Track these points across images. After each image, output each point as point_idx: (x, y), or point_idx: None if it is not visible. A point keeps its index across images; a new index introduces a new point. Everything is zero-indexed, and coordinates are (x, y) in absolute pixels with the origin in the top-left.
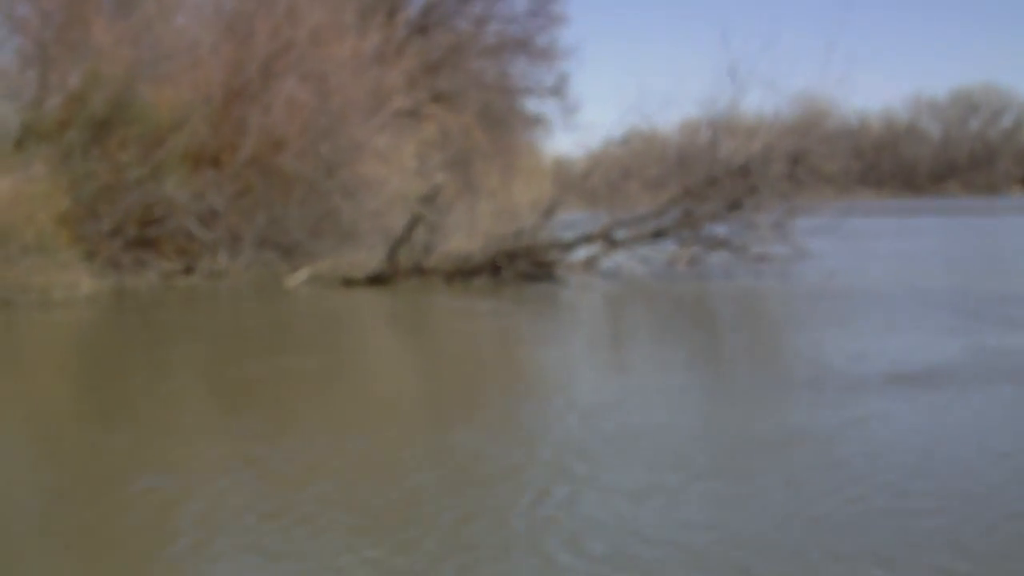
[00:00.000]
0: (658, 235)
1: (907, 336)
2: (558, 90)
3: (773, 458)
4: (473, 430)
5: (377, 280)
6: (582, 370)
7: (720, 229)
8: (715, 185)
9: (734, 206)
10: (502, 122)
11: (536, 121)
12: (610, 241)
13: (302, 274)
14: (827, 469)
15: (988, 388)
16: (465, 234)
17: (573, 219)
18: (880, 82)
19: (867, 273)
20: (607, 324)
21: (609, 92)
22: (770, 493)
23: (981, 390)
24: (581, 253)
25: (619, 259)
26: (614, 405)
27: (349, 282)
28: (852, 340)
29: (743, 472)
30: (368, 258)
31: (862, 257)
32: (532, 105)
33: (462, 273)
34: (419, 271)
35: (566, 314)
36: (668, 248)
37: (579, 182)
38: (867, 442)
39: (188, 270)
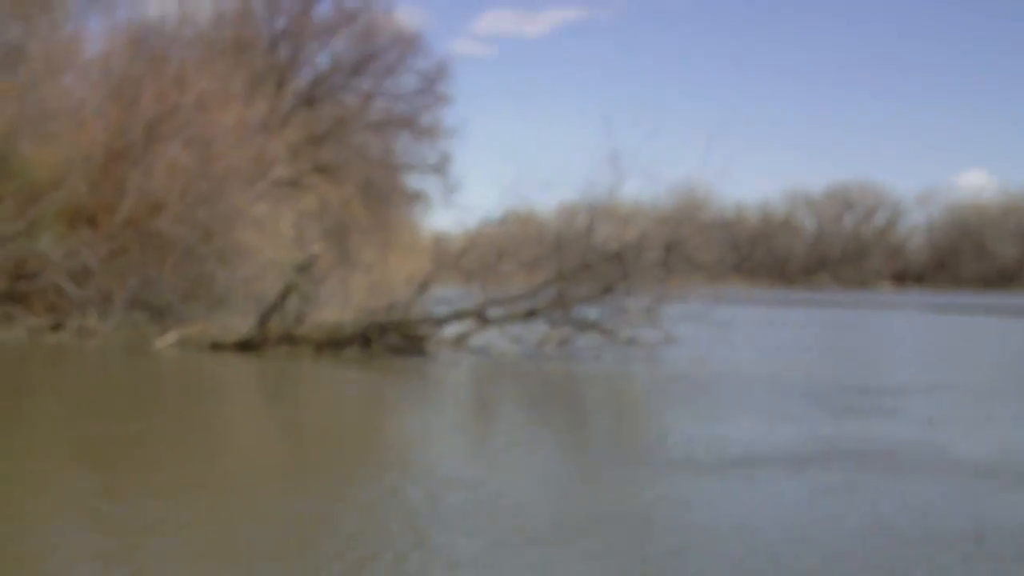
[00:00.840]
0: (530, 315)
1: (756, 422)
2: (440, 168)
3: (600, 531)
4: (318, 497)
5: (246, 346)
6: (439, 443)
7: (592, 312)
8: (589, 269)
9: (606, 290)
10: (383, 197)
11: (416, 197)
12: (482, 319)
13: (171, 336)
14: (640, 543)
15: (808, 472)
16: (338, 305)
17: (448, 295)
18: (758, 175)
19: (732, 361)
20: (471, 399)
21: (490, 172)
22: (587, 561)
23: (802, 474)
24: (453, 329)
25: (490, 337)
26: (464, 478)
27: (218, 347)
28: (704, 425)
29: (565, 542)
30: (239, 324)
31: (730, 345)
32: (413, 182)
33: (333, 343)
34: (289, 339)
35: (432, 388)
36: (539, 329)
37: (456, 259)
38: (683, 519)
39: (57, 327)
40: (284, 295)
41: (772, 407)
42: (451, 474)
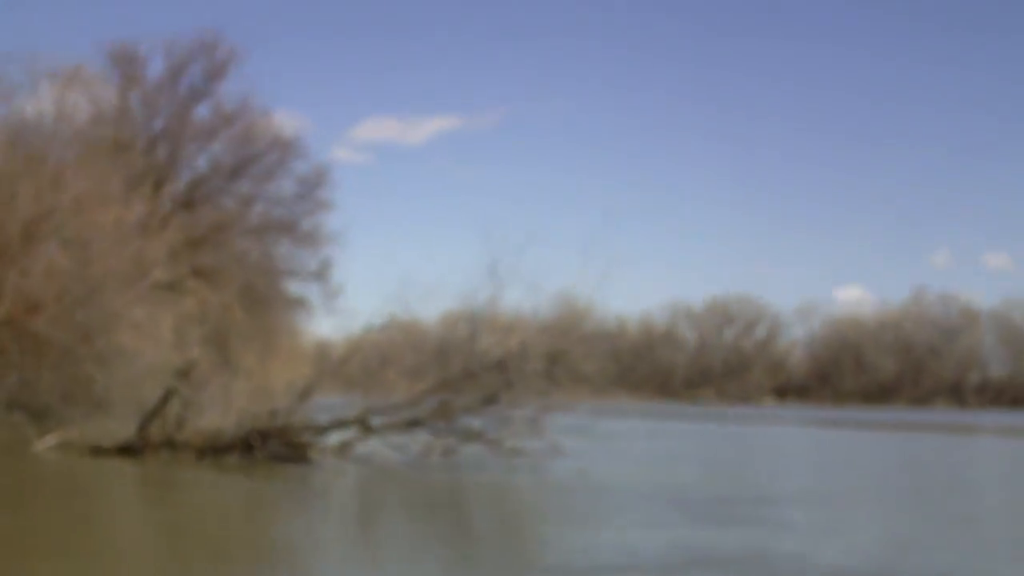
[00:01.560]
0: (413, 424)
1: (630, 531)
2: (321, 274)
3: None
4: None
5: (127, 451)
6: (319, 550)
7: (475, 422)
8: (472, 378)
9: (490, 400)
10: (263, 302)
11: (297, 303)
12: (365, 427)
13: (51, 439)
14: None
15: None
16: (219, 411)
17: (331, 403)
18: (639, 287)
19: (613, 471)
20: (354, 507)
21: (372, 279)
22: None
23: None
24: (336, 437)
25: (373, 445)
26: None
27: (98, 451)
28: (581, 534)
29: None
30: (120, 428)
31: (612, 457)
32: (294, 287)
33: (214, 449)
34: (170, 444)
35: (314, 496)
36: (423, 437)
37: (338, 366)
38: None
39: None
40: (164, 400)
41: (646, 517)
42: None
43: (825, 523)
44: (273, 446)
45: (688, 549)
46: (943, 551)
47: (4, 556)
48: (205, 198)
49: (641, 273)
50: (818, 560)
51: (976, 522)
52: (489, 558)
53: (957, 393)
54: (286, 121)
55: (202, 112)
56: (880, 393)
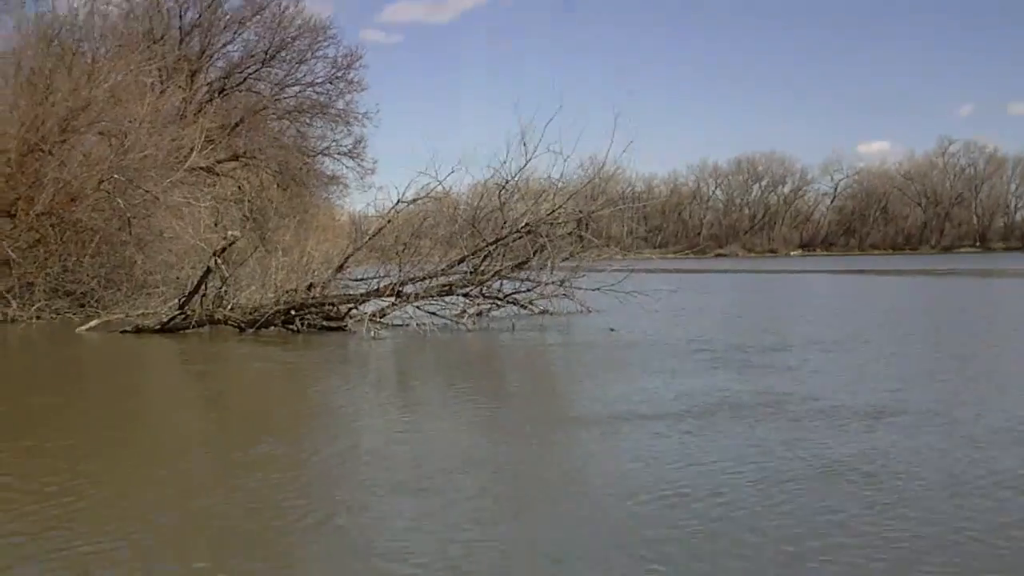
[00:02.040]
0: (446, 290)
1: (651, 381)
2: (355, 152)
3: (478, 476)
4: (237, 455)
5: (169, 329)
6: (345, 414)
7: (507, 286)
8: (503, 244)
9: (520, 264)
10: (299, 181)
11: (332, 181)
12: (400, 295)
13: (94, 321)
14: (513, 486)
15: (684, 422)
16: (258, 286)
17: (367, 275)
18: (666, 150)
19: (640, 327)
20: (386, 372)
21: (404, 155)
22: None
23: (678, 423)
24: (371, 307)
25: (409, 312)
26: (382, 440)
27: (141, 330)
28: (604, 386)
29: (438, 489)
30: (161, 308)
31: (640, 313)
32: (329, 166)
33: (254, 323)
34: (211, 321)
35: (349, 362)
36: (457, 303)
37: (372, 239)
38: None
39: None
40: (204, 278)
41: (669, 367)
42: (374, 436)
43: (838, 365)
44: (311, 317)
45: (706, 395)
46: (946, 385)
47: (47, 430)
48: (239, 85)
49: (668, 136)
50: (827, 400)
51: (984, 358)
52: (521, 412)
53: (982, 239)
54: (315, 6)
55: (233, 2)
56: (906, 243)
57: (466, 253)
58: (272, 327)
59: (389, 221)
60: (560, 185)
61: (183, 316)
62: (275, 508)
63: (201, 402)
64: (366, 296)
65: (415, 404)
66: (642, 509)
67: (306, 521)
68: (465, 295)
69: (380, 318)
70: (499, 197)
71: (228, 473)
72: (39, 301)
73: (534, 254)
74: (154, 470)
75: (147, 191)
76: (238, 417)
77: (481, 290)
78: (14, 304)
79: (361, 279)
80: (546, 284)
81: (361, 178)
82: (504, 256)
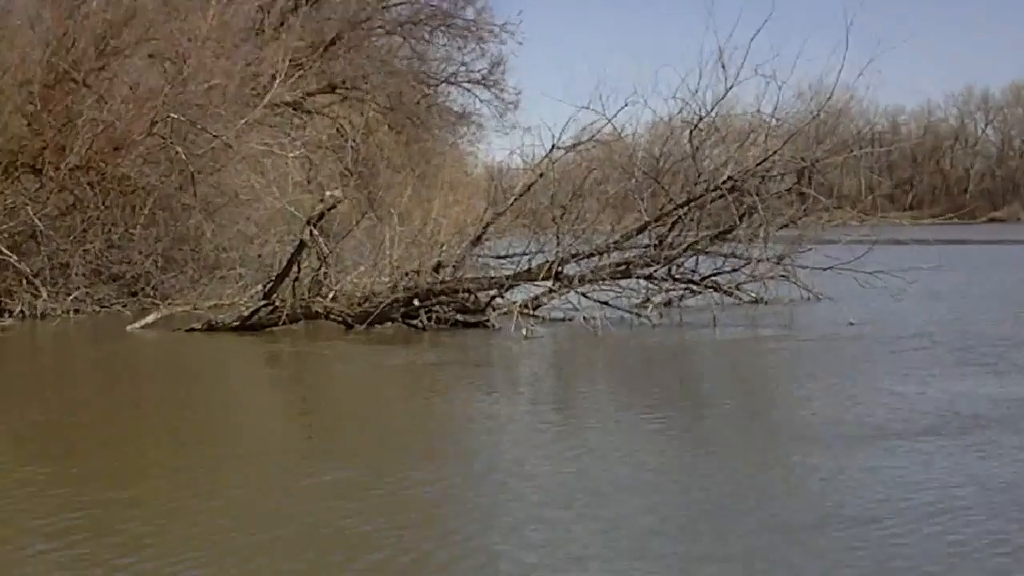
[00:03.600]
0: (621, 271)
1: (896, 388)
2: (491, 80)
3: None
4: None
5: (250, 326)
6: (487, 439)
7: (704, 264)
8: (697, 206)
9: (722, 234)
10: (418, 120)
11: (462, 119)
12: (558, 278)
13: (150, 316)
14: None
15: (952, 439)
16: (369, 267)
17: (512, 249)
18: (915, 75)
19: (885, 318)
20: (542, 382)
21: (558, 83)
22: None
23: (943, 441)
24: (521, 294)
25: (572, 302)
26: (536, 478)
27: (213, 328)
28: (835, 397)
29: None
30: (239, 297)
31: (884, 299)
32: (457, 98)
33: (364, 317)
34: (307, 314)
35: (492, 369)
36: (636, 289)
37: (518, 200)
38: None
39: None
40: (295, 257)
41: (931, 369)
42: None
43: None
44: (440, 309)
45: (973, 405)
46: None
47: (97, 451)
48: None
49: (918, 54)
50: None
51: None
52: (732, 431)
53: None
54: None
55: None
56: None
57: (647, 219)
58: (388, 322)
59: (541, 175)
60: (774, 123)
61: (270, 308)
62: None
63: (293, 424)
64: (514, 280)
65: (586, 424)
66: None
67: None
68: (648, 278)
69: (533, 310)
70: (690, 140)
71: (357, 513)
72: (77, 289)
73: (740, 219)
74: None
75: (215, 135)
76: (344, 446)
77: (669, 270)
78: (44, 293)
79: (505, 256)
80: (758, 261)
81: (501, 115)
82: (700, 223)
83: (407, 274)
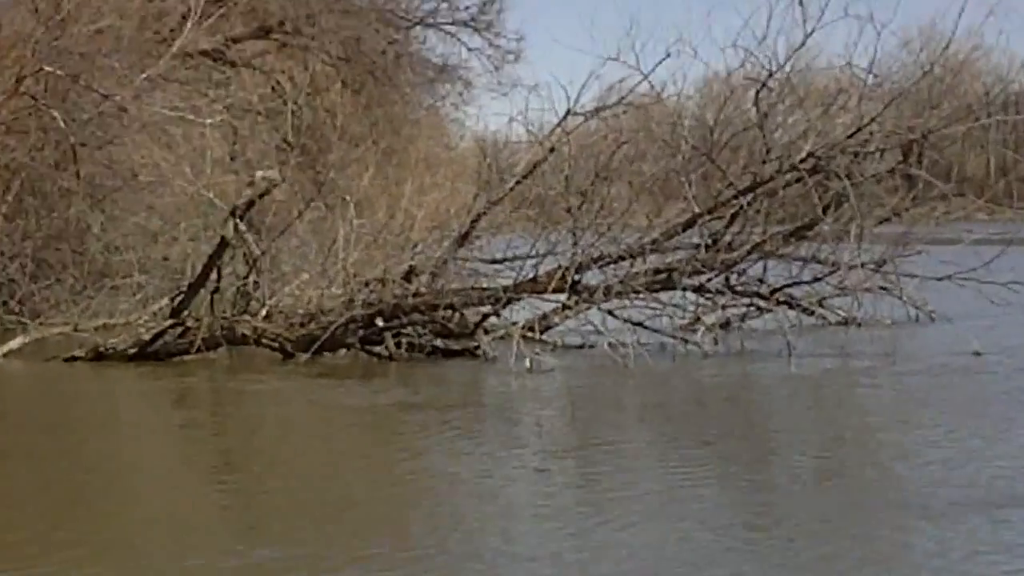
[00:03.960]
0: (661, 280)
1: None
2: (484, 19)
3: None
4: None
5: (153, 354)
6: (478, 525)
7: (776, 271)
8: (767, 194)
9: (800, 230)
10: (383, 76)
11: (444, 75)
12: (577, 291)
13: (15, 341)
14: None
15: None
16: (316, 275)
17: (512, 250)
18: None
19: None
20: (566, 439)
21: (577, 27)
22: None
23: None
24: (525, 312)
25: (593, 322)
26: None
27: (102, 355)
28: (964, 447)
29: None
30: (137, 314)
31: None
32: (437, 46)
33: (309, 343)
34: (231, 339)
35: (493, 421)
36: (683, 305)
37: (523, 185)
38: None
39: None
40: (215, 260)
41: None
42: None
43: None
44: (414, 331)
45: None
46: None
47: None
48: None
49: None
50: None
51: None
52: (809, 508)
53: None
54: None
55: None
56: None
57: (697, 210)
58: (342, 349)
59: (552, 150)
60: (870, 81)
61: (180, 331)
62: None
63: (224, 487)
64: (514, 292)
65: (611, 492)
66: None
67: None
68: (698, 290)
69: (541, 333)
70: (756, 104)
71: None
72: None
73: (824, 211)
74: None
75: (105, 96)
76: (293, 517)
77: (727, 280)
78: None
79: (503, 260)
80: (849, 268)
81: (496, 69)
82: (769, 216)
83: (368, 284)
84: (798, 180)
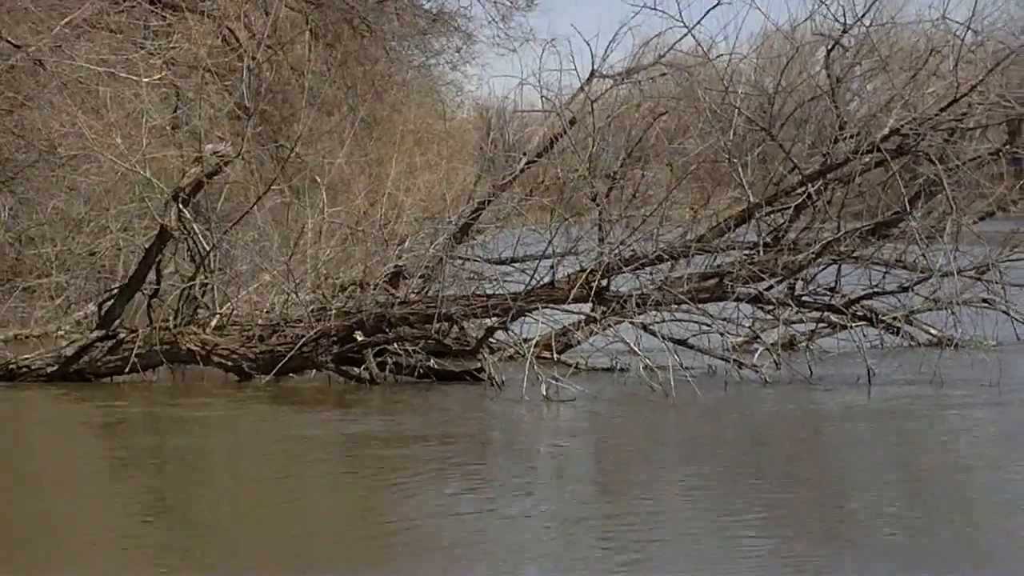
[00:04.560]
0: (713, 290)
1: None
2: None
3: None
4: None
5: (76, 372)
6: None
7: (852, 279)
8: (840, 180)
9: (884, 228)
10: (362, 25)
11: (438, 25)
12: (605, 300)
13: None
14: None
15: None
16: (279, 276)
17: (524, 248)
18: None
19: None
20: (592, 484)
21: None
22: None
23: None
24: (539, 325)
25: (625, 340)
26: None
27: (12, 375)
28: None
29: None
30: (56, 323)
31: None
32: None
33: (271, 363)
34: (173, 356)
35: (500, 461)
36: (736, 319)
37: (536, 165)
38: None
39: None
40: (154, 255)
41: None
42: None
43: None
44: (401, 348)
45: None
46: None
47: None
48: None
49: None
50: None
51: None
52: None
53: None
54: None
55: None
56: None
57: (754, 200)
58: (313, 370)
59: (574, 121)
60: (969, 40)
61: (110, 344)
62: None
63: (159, 542)
64: (527, 301)
65: (647, 555)
66: None
67: None
68: (755, 300)
69: (560, 352)
70: (827, 67)
71: None
72: None
73: (912, 204)
74: None
75: (16, 46)
76: None
77: (792, 288)
78: None
79: (512, 260)
80: (943, 275)
81: (503, 20)
82: (842, 209)
83: (344, 289)
84: (879, 164)
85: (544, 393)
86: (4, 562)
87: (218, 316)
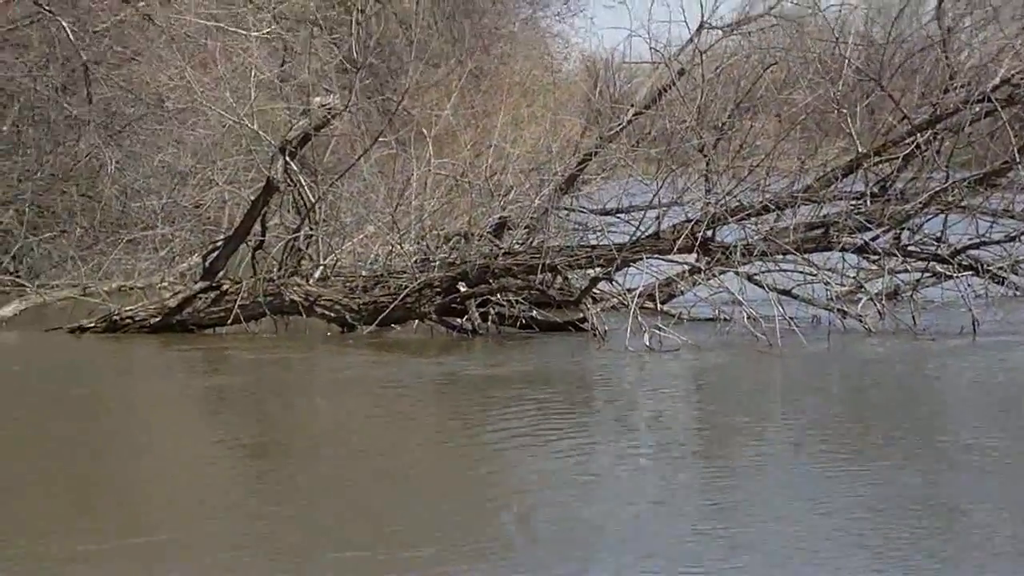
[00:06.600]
0: (819, 240)
1: None
2: None
3: None
4: None
5: (180, 324)
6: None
7: (959, 229)
8: (950, 130)
9: (993, 177)
10: None
11: None
12: (710, 251)
13: (9, 307)
14: None
15: None
16: (384, 228)
17: (629, 199)
18: None
19: None
20: (697, 437)
21: None
22: None
23: None
24: (643, 275)
25: (730, 290)
26: None
27: (116, 326)
28: None
29: None
30: (161, 275)
31: None
32: None
33: (374, 313)
34: (277, 307)
35: (603, 412)
36: (841, 270)
37: (643, 117)
38: None
39: None
40: (259, 208)
41: None
42: None
43: None
44: (505, 299)
45: None
46: None
47: None
48: None
49: None
50: None
51: None
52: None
53: None
54: None
55: None
56: None
57: (862, 150)
58: (416, 321)
59: (682, 73)
60: None
61: (214, 295)
62: None
63: (274, 489)
64: (632, 251)
65: (757, 510)
66: None
67: None
68: (861, 251)
69: (664, 302)
70: (937, 16)
71: None
72: None
73: (1019, 153)
74: None
75: (126, 1)
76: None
77: (898, 239)
78: None
79: (617, 211)
80: None
81: None
82: (951, 159)
83: (448, 240)
84: (989, 114)
85: (647, 343)
86: (112, 495)
87: (322, 267)
